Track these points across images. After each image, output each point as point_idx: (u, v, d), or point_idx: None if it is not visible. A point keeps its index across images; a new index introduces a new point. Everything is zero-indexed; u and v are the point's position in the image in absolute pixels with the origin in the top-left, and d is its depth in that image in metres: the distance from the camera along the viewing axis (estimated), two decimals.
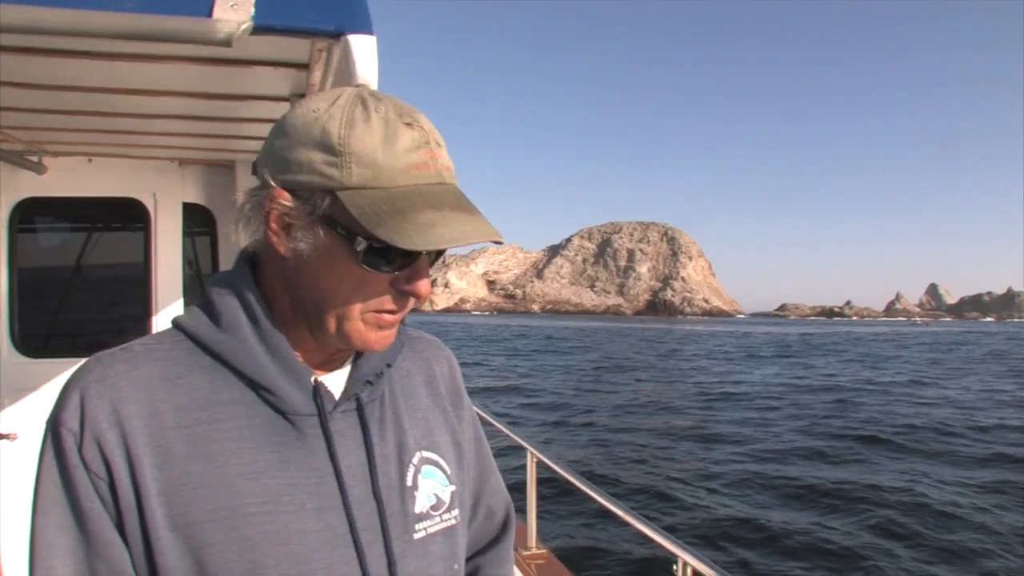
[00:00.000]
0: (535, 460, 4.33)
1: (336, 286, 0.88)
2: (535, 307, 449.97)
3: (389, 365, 1.03)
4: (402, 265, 0.86)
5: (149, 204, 4.10)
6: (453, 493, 1.06)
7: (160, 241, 4.10)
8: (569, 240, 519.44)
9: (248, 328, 0.91)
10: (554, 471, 3.96)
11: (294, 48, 1.94)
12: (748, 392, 25.68)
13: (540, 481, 4.47)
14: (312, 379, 0.94)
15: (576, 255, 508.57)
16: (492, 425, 4.94)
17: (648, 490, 11.01)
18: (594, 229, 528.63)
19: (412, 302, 0.92)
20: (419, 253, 0.87)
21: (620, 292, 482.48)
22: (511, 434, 4.62)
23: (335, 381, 0.98)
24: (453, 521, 1.04)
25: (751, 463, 13.49)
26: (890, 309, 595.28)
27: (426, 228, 0.80)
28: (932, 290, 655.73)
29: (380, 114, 0.85)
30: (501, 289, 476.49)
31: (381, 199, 0.82)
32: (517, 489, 4.96)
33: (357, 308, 0.88)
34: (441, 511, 1.03)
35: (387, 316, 0.91)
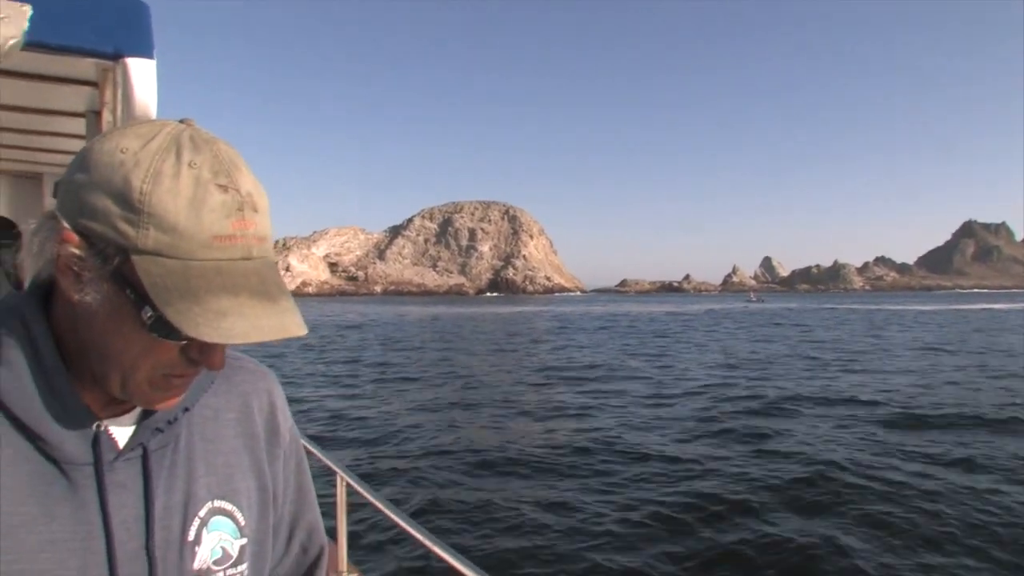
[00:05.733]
0: (344, 483, 4.25)
1: (123, 346, 0.81)
2: (378, 288, 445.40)
3: (187, 409, 0.95)
4: (193, 337, 0.77)
5: None
6: (243, 546, 0.99)
7: None
8: (411, 220, 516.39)
9: (29, 365, 0.83)
10: (362, 496, 3.90)
11: (79, 66, 1.93)
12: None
13: (352, 502, 4.39)
14: (95, 425, 0.86)
15: (418, 235, 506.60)
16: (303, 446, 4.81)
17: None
18: (435, 209, 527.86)
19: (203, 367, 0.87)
20: None
21: (462, 271, 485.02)
22: (320, 455, 4.51)
23: (124, 425, 0.90)
24: None
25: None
26: (727, 282, 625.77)
27: (216, 316, 0.74)
28: (766, 263, 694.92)
29: (193, 170, 0.77)
30: (343, 271, 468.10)
31: (176, 272, 0.75)
32: (327, 512, 4.89)
33: (144, 371, 0.82)
34: (225, 566, 0.97)
35: (176, 380, 0.85)
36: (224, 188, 0.78)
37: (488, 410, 17.85)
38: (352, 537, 4.61)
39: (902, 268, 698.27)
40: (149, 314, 0.76)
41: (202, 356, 0.83)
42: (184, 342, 0.81)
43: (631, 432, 14.72)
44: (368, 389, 21.80)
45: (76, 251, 0.78)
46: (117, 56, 1.66)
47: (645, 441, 13.78)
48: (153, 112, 1.76)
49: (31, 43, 1.48)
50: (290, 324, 0.79)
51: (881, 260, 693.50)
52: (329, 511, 4.45)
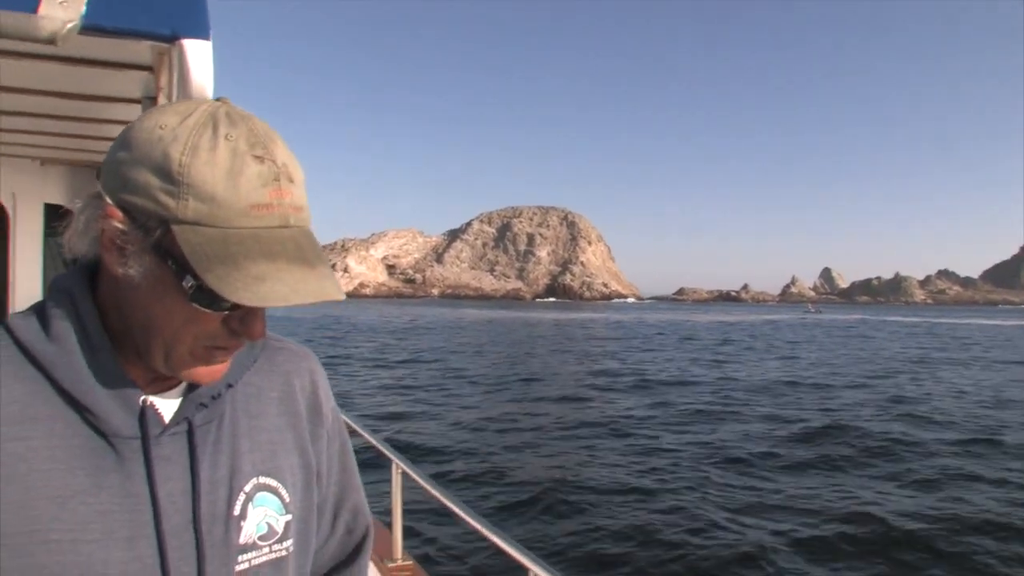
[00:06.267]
0: (400, 471, 4.24)
1: (165, 317, 0.83)
2: (435, 291, 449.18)
3: (230, 386, 0.97)
4: (234, 306, 0.82)
5: (8, 204, 3.94)
6: (288, 522, 1.00)
7: (19, 241, 3.96)
8: (469, 224, 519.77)
9: (77, 341, 0.86)
10: (417, 483, 3.87)
11: (135, 50, 1.91)
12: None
13: (406, 491, 4.38)
14: (140, 400, 0.89)
15: (476, 239, 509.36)
16: (358, 434, 4.82)
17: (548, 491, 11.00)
18: (494, 213, 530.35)
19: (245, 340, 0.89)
20: None
21: (520, 276, 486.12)
22: (376, 444, 4.51)
23: (168, 401, 0.93)
24: (284, 552, 0.99)
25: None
26: (785, 293, 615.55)
27: (255, 281, 0.76)
28: (826, 274, 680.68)
29: (229, 142, 0.79)
30: (401, 273, 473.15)
31: (215, 240, 0.77)
32: (383, 500, 4.91)
33: (186, 342, 0.85)
34: (271, 541, 0.97)
35: (218, 352, 0.88)
36: (260, 159, 0.80)
37: (560, 417, 17.39)
38: (407, 525, 4.58)
39: (966, 282, 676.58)
40: (190, 283, 0.78)
41: (243, 326, 0.85)
42: (225, 312, 0.83)
43: (737, 445, 14.10)
44: (429, 392, 21.72)
45: (119, 225, 0.80)
46: (173, 38, 1.62)
47: (753, 456, 13.10)
48: (210, 95, 1.71)
49: (88, 26, 1.46)
50: (328, 288, 0.81)
51: (944, 273, 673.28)
52: (384, 500, 4.46)
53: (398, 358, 33.63)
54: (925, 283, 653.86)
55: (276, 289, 0.76)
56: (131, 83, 2.23)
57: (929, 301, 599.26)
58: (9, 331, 0.87)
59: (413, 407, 18.64)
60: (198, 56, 1.62)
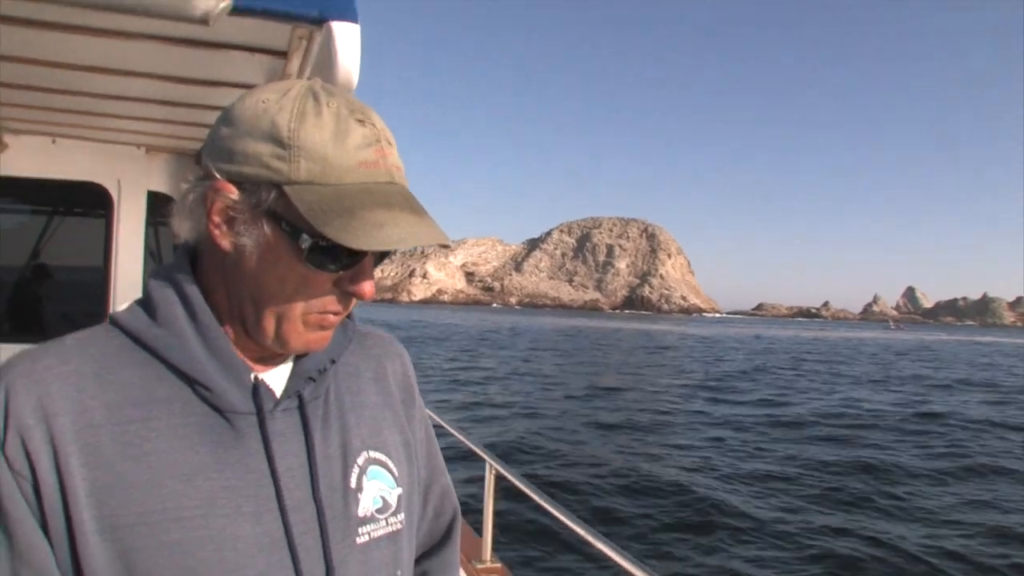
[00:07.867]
0: (494, 472, 4.16)
1: (278, 284, 0.86)
2: (513, 300, 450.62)
3: (333, 361, 0.99)
4: (347, 265, 0.85)
5: (113, 190, 3.97)
6: (400, 496, 1.03)
7: (122, 228, 4.00)
8: (548, 234, 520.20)
9: (185, 322, 0.88)
10: (513, 484, 3.78)
11: (273, 33, 1.85)
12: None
13: (498, 493, 4.30)
14: (252, 376, 0.91)
15: (555, 249, 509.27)
16: (452, 435, 4.78)
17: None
18: (574, 223, 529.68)
19: (354, 302, 0.92)
20: (364, 253, 0.86)
21: (598, 287, 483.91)
22: (470, 444, 4.44)
23: (276, 378, 0.95)
24: (399, 525, 1.01)
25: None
26: (867, 311, 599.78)
27: (375, 228, 0.79)
28: (909, 293, 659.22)
29: (332, 109, 0.83)
30: (479, 281, 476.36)
31: (329, 196, 0.80)
32: (475, 501, 4.84)
33: (298, 308, 0.87)
34: (387, 514, 1.00)
35: (329, 317, 0.89)
36: (362, 122, 0.84)
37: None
38: (496, 527, 4.47)
39: None
40: (306, 243, 0.82)
41: (353, 285, 0.87)
42: (337, 273, 0.86)
43: None
44: (530, 403, 21.30)
45: (231, 196, 0.83)
46: (320, 20, 1.57)
47: None
48: (356, 83, 1.62)
49: (237, 7, 1.43)
50: (439, 234, 0.84)
51: None
52: (477, 500, 4.39)
53: (487, 364, 33.55)
54: (1016, 304, 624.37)
55: (395, 233, 0.79)
56: (254, 68, 2.15)
57: (1019, 324, 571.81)
58: (116, 322, 0.90)
59: (509, 423, 17.86)
60: (346, 40, 1.56)
